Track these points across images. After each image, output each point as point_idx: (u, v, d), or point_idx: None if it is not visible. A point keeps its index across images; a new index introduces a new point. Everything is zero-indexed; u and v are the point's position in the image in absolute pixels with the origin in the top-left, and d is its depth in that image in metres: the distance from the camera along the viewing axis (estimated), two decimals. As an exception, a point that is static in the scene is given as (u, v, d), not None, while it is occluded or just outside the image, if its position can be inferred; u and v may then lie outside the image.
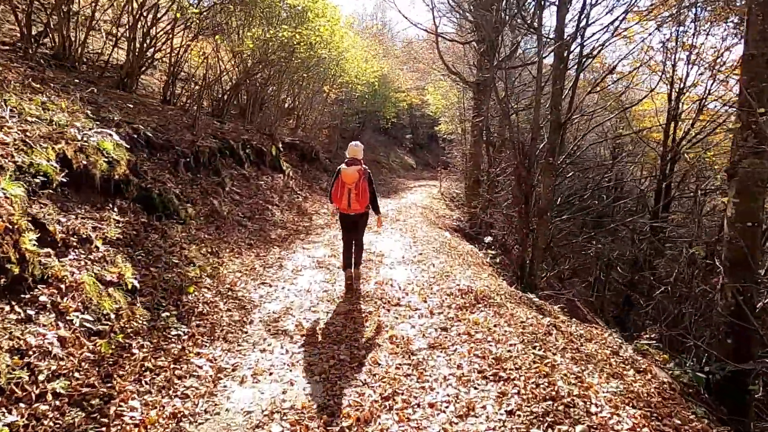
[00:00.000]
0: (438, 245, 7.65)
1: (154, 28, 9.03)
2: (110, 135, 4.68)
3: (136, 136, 5.85)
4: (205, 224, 6.17)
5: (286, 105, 15.96)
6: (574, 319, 4.87)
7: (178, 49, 9.68)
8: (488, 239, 8.56)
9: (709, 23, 11.67)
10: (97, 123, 5.16)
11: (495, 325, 3.82)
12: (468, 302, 4.49)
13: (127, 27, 9.11)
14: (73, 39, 7.63)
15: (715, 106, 11.81)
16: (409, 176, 21.82)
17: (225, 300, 4.36)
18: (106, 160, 4.45)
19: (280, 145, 12.48)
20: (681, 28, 11.91)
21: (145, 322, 3.35)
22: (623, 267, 12.15)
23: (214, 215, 6.60)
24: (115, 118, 5.69)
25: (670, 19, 10.77)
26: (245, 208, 8.00)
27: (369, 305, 4.52)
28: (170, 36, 9.26)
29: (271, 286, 5.08)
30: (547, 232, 8.57)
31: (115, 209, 4.41)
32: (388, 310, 4.40)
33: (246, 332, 3.78)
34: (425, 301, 4.63)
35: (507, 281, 7.83)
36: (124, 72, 9.32)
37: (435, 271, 5.83)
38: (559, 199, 10.02)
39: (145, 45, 9.37)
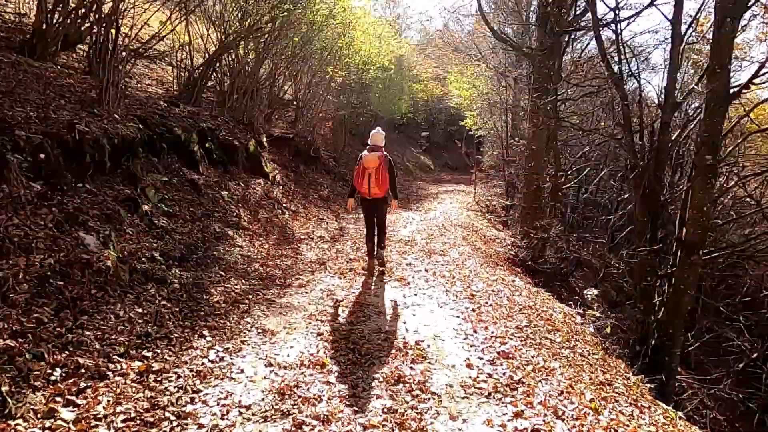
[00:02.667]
0: (519, 316, 4.03)
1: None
2: None
3: None
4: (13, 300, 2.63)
5: (284, 94, 12.49)
6: None
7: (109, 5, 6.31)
8: (591, 293, 4.94)
9: None
10: None
11: None
12: None
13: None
14: None
15: None
16: (428, 179, 18.21)
17: None
18: None
19: (264, 139, 8.96)
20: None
21: None
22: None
23: (70, 271, 3.05)
24: None
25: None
26: (175, 242, 4.47)
27: None
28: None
29: None
30: (695, 280, 4.88)
31: None
32: None
33: None
34: None
35: (624, 362, 4.19)
36: (33, 33, 6.04)
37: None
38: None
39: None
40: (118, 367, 2.65)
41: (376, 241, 5.26)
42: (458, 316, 3.86)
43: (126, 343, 2.88)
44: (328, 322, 3.67)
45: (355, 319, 3.74)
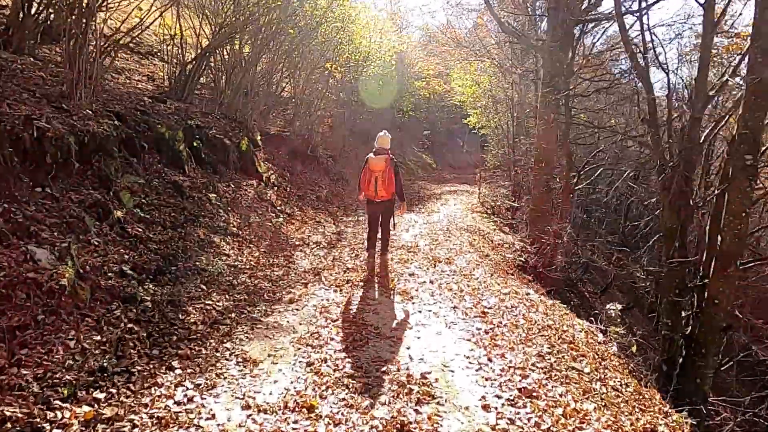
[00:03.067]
0: (539, 339, 3.52)
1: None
2: None
3: None
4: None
5: (282, 91, 12.01)
6: None
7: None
8: (613, 308, 4.43)
9: None
10: None
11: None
12: None
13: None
14: None
15: None
16: (430, 178, 17.70)
17: None
18: None
19: (259, 138, 8.46)
20: None
21: None
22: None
23: (12, 293, 2.56)
24: None
25: None
26: (151, 253, 3.98)
27: None
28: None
29: None
30: (732, 293, 4.36)
31: None
32: None
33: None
34: None
35: (653, 387, 3.68)
36: (9, 25, 5.65)
37: None
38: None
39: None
40: (59, 416, 2.15)
41: (378, 245, 5.22)
42: (469, 340, 3.36)
43: (74, 382, 2.38)
44: (320, 347, 3.18)
45: (351, 344, 3.24)
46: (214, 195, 5.84)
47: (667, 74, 4.78)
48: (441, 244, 6.37)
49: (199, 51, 7.98)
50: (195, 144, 6.31)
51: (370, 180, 4.72)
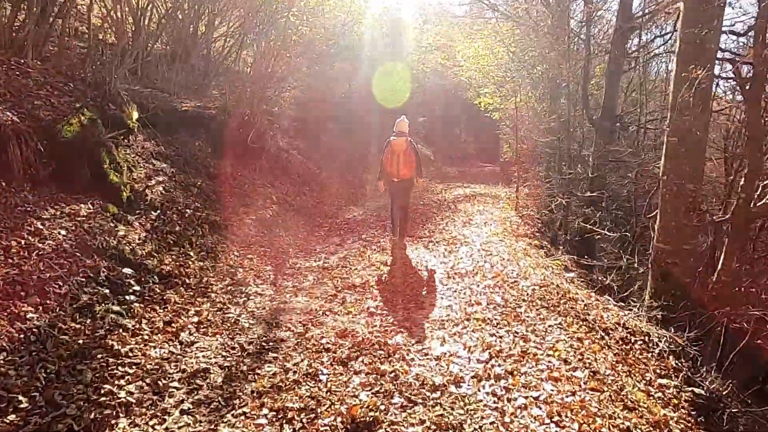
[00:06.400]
0: None
1: None
2: None
3: None
4: None
5: (225, 52, 7.87)
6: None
7: None
8: None
9: None
10: None
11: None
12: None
13: None
14: None
15: None
16: (433, 176, 13.67)
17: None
18: None
19: (135, 117, 4.38)
20: None
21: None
22: None
23: None
24: None
25: None
26: None
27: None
28: None
29: None
30: None
31: None
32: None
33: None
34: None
35: None
36: None
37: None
38: None
39: None
40: None
41: (399, 228, 5.13)
42: None
43: None
44: None
45: None
46: None
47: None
48: (514, 373, 2.43)
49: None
50: None
51: (393, 160, 4.78)
